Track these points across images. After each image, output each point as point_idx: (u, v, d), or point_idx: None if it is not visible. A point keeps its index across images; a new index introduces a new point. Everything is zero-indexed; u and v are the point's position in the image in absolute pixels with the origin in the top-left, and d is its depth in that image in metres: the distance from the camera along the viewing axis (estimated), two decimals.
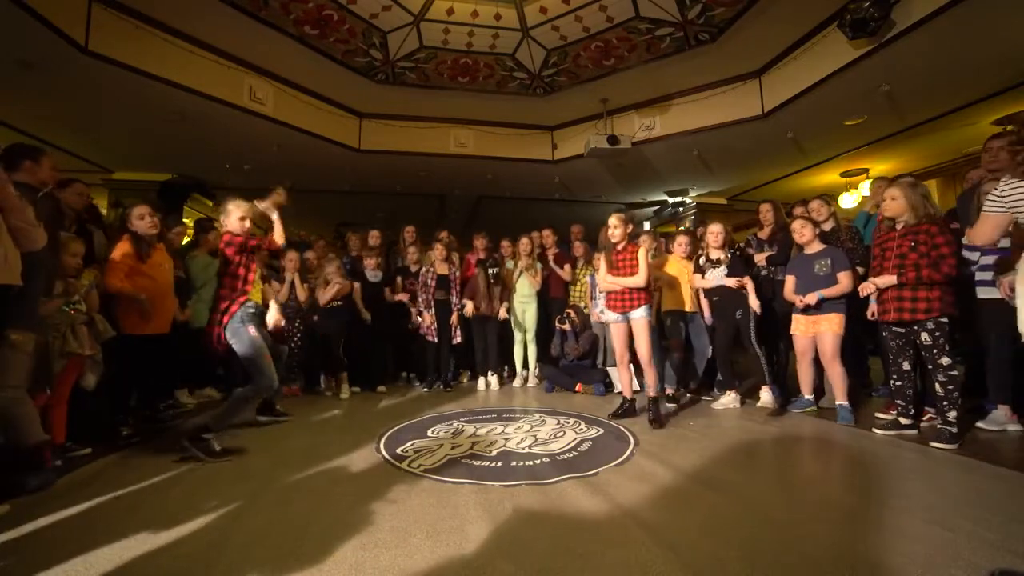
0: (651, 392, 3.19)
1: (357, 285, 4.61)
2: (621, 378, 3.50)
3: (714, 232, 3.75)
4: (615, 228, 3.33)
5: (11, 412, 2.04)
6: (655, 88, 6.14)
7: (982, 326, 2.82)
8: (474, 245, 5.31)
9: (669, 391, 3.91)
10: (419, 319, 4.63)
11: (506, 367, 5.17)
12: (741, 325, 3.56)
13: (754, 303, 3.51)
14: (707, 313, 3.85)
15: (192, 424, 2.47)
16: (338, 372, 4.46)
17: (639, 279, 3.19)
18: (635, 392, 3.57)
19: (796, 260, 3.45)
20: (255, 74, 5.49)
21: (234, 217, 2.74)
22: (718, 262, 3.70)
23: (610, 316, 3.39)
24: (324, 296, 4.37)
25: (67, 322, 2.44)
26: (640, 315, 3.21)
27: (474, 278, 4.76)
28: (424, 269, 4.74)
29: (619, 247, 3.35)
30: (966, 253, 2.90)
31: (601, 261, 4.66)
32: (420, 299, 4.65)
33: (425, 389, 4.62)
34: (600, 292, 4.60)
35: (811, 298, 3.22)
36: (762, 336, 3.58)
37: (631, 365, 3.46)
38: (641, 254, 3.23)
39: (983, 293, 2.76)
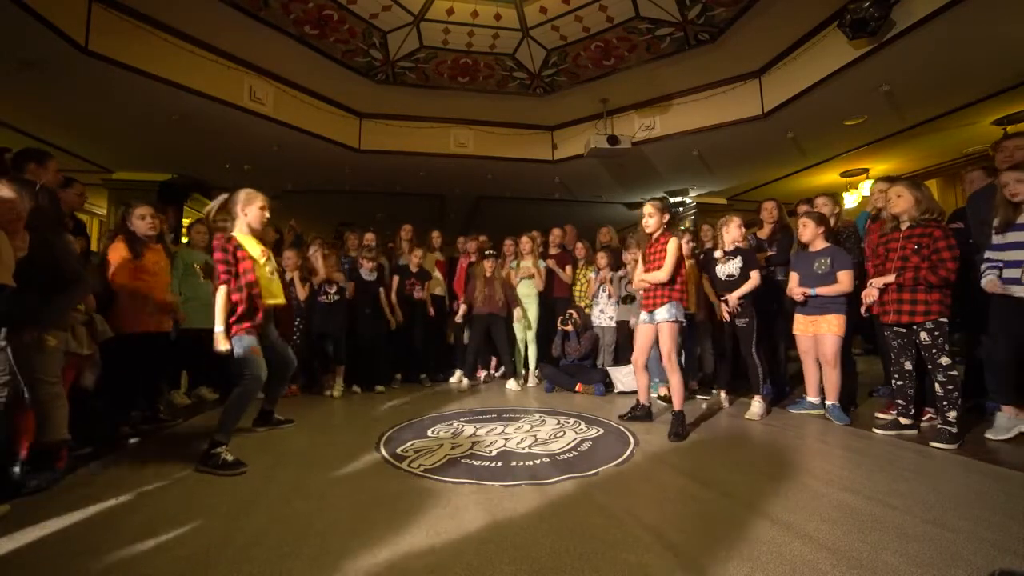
0: (676, 405, 2.93)
1: (351, 284, 4.59)
2: (638, 383, 3.29)
3: (734, 223, 3.49)
4: (649, 217, 3.02)
5: (48, 406, 2.14)
6: (655, 88, 6.13)
7: (990, 327, 2.75)
8: (466, 248, 5.33)
9: (663, 391, 3.88)
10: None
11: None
12: (743, 334, 3.42)
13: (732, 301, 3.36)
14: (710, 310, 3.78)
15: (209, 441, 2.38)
16: (334, 368, 4.46)
17: (661, 274, 2.94)
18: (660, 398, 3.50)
19: (798, 257, 3.44)
20: (255, 74, 5.49)
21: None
22: (735, 253, 3.48)
23: (642, 316, 3.14)
24: (317, 277, 4.37)
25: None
26: (663, 316, 2.95)
27: (472, 276, 4.78)
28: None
29: (653, 238, 3.05)
30: (988, 253, 2.75)
31: (601, 259, 4.71)
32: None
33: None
34: (605, 292, 4.63)
35: (798, 293, 3.21)
36: (763, 337, 3.56)
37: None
38: (671, 246, 2.94)
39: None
